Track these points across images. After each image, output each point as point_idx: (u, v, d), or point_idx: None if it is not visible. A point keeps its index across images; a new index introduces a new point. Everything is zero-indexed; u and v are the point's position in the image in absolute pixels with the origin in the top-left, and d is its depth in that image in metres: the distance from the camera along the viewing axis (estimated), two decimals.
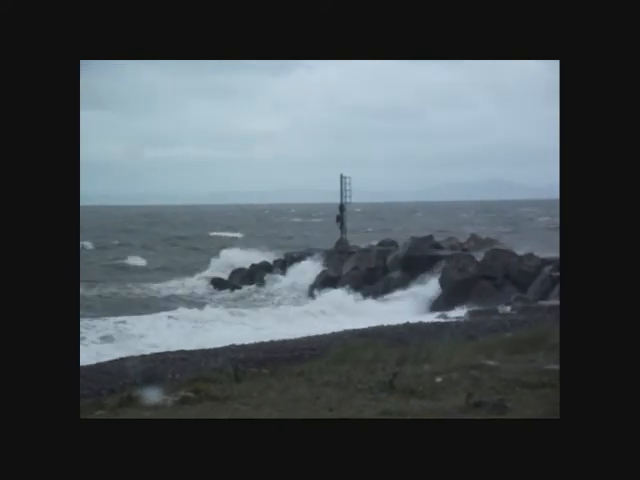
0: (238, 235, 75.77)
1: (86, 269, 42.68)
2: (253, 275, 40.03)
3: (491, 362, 9.52)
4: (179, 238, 73.67)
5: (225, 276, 40.55)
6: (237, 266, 41.50)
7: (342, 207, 39.08)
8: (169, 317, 26.57)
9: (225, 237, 73.54)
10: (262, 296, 36.33)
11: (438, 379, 8.62)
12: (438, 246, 34.72)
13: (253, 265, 41.46)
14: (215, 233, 79.72)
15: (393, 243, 37.38)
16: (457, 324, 20.22)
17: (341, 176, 39.42)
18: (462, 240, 36.72)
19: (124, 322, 25.06)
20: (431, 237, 36.03)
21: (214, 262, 45.14)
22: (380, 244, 37.46)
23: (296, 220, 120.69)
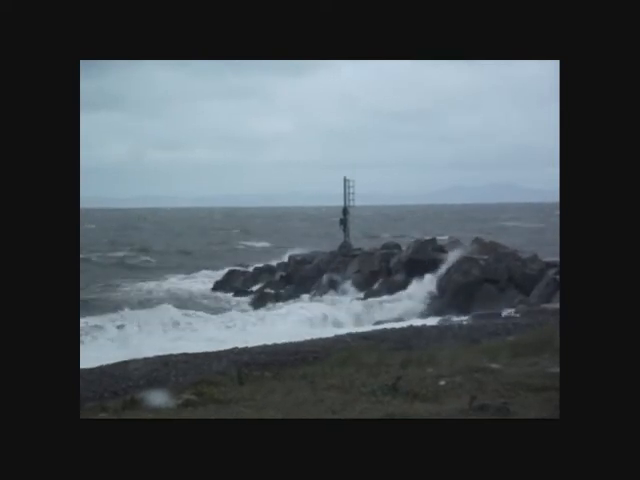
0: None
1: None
2: (257, 278, 40.08)
3: (494, 365, 9.50)
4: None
5: None
6: None
7: (345, 210, 39.16)
8: None
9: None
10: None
11: (442, 382, 8.60)
12: (442, 249, 34.68)
13: (256, 268, 41.53)
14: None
15: (396, 246, 37.36)
16: (460, 327, 20.16)
17: (344, 179, 39.48)
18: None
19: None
20: (434, 240, 36.00)
21: None
22: (383, 247, 37.44)
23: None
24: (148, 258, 61.73)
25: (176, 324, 27.49)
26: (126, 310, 29.74)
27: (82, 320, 26.23)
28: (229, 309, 32.88)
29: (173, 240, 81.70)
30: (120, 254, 64.62)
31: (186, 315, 28.99)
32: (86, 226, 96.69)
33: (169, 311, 29.32)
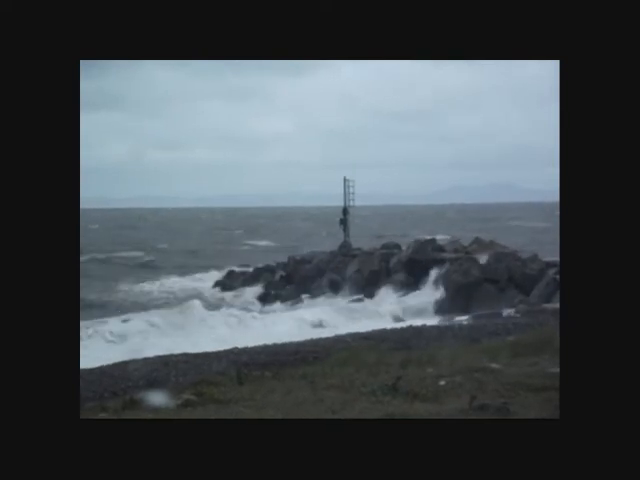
0: None
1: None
2: (256, 278, 40.06)
3: (495, 365, 9.50)
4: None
5: None
6: None
7: (345, 210, 39.16)
8: None
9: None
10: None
11: (442, 382, 8.60)
12: (441, 249, 34.68)
13: (256, 268, 41.52)
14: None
15: (396, 246, 37.36)
16: (460, 327, 20.16)
17: (344, 179, 39.49)
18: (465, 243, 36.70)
19: None
20: (434, 240, 36.02)
21: None
22: (383, 247, 37.43)
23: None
24: (152, 258, 61.74)
25: (203, 321, 27.44)
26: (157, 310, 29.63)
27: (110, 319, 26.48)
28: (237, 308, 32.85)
29: (177, 240, 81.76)
30: (125, 254, 64.67)
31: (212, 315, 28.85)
32: (89, 226, 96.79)
33: (196, 308, 29.22)
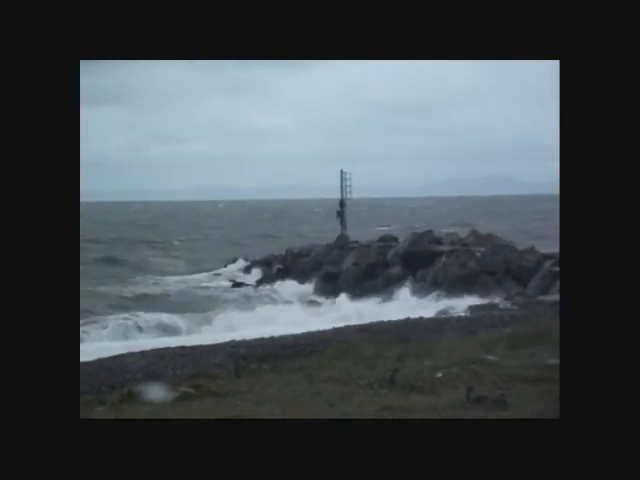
0: None
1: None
2: (251, 271, 40.01)
3: (491, 357, 9.53)
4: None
5: None
6: None
7: (342, 203, 39.13)
8: None
9: None
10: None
11: (439, 374, 8.63)
12: (438, 241, 34.71)
13: (253, 261, 41.45)
14: None
15: (393, 238, 37.38)
16: (458, 319, 20.20)
17: (341, 172, 39.48)
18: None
19: None
20: (431, 232, 36.05)
21: None
22: (380, 239, 37.44)
23: None
24: (153, 252, 61.39)
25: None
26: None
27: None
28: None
29: (189, 233, 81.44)
30: (125, 249, 64.37)
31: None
32: (92, 220, 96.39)
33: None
